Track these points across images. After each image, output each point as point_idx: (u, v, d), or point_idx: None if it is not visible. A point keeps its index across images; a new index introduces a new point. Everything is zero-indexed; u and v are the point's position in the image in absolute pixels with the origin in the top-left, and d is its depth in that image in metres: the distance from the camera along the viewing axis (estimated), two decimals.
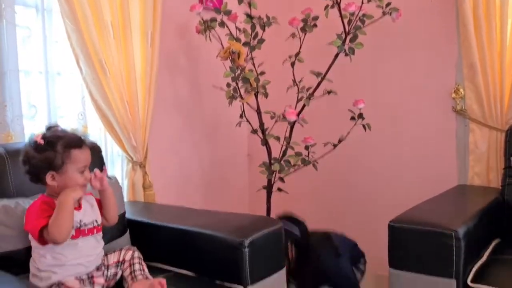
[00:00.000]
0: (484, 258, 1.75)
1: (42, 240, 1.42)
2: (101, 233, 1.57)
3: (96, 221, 1.54)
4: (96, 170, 1.53)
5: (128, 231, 1.87)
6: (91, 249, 1.51)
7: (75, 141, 1.48)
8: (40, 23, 1.95)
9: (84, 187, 1.49)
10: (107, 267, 1.56)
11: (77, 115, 2.10)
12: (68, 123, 2.04)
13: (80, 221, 1.48)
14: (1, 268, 1.41)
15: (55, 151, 1.44)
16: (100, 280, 1.51)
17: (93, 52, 1.95)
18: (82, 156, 1.48)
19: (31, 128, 1.87)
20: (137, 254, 1.60)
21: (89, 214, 1.53)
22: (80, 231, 1.47)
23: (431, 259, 1.58)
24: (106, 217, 1.60)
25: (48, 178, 1.46)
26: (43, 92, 1.97)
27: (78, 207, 1.51)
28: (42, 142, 1.45)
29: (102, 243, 1.58)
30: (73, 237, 1.45)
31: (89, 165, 1.51)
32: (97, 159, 1.91)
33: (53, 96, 2.00)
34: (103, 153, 2.00)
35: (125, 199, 2.11)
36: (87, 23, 1.91)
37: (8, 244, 1.49)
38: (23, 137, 1.83)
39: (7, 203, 1.52)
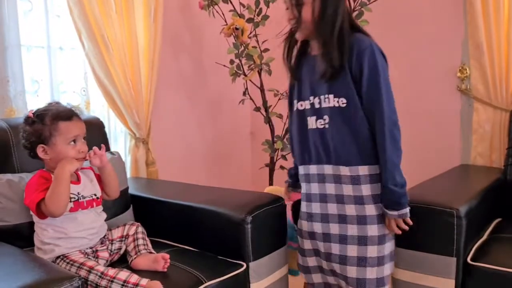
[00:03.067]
0: (485, 236, 1.76)
1: (41, 213, 1.43)
2: (101, 207, 1.58)
3: (95, 194, 1.56)
4: (95, 148, 1.53)
5: (131, 206, 1.88)
6: (91, 222, 1.52)
7: (64, 113, 1.49)
8: None
9: (81, 160, 1.50)
10: (111, 242, 1.58)
11: (80, 90, 2.10)
12: (70, 99, 2.04)
13: (78, 193, 1.50)
14: (6, 241, 1.43)
15: (43, 123, 1.46)
16: (104, 254, 1.53)
17: (96, 27, 1.93)
18: (71, 128, 1.48)
19: (33, 104, 1.87)
20: (140, 229, 1.62)
21: (88, 188, 1.54)
22: (78, 204, 1.49)
23: (433, 237, 1.58)
24: (106, 192, 1.62)
25: (39, 151, 1.47)
26: (46, 67, 1.96)
27: (77, 180, 1.52)
28: (32, 115, 1.48)
29: (104, 216, 1.59)
30: (71, 210, 1.46)
31: (84, 137, 1.52)
32: (100, 135, 1.92)
33: (56, 72, 2.00)
34: (106, 129, 2.00)
35: (128, 175, 2.12)
36: None
37: (13, 218, 1.51)
38: (26, 112, 1.82)
39: (11, 178, 1.53)
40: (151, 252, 1.56)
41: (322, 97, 1.44)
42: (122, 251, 1.59)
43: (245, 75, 2.38)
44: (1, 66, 1.79)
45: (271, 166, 2.49)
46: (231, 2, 2.36)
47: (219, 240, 1.66)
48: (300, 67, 1.54)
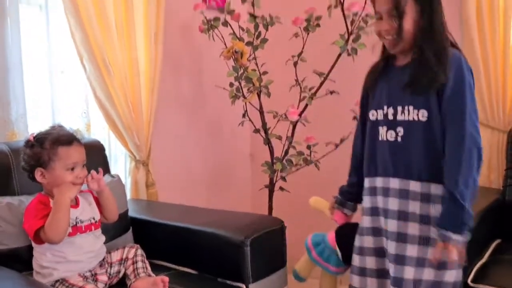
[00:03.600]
0: (485, 258, 1.76)
1: (39, 240, 1.43)
2: (99, 230, 1.58)
3: (94, 218, 1.55)
4: (93, 172, 1.53)
5: (131, 228, 1.88)
6: (90, 246, 1.52)
7: (64, 138, 1.49)
8: (44, 21, 1.96)
9: (78, 185, 1.50)
10: (110, 265, 1.57)
11: (81, 113, 2.11)
12: (71, 121, 2.05)
13: (76, 218, 1.49)
14: (5, 265, 1.43)
15: (42, 147, 1.46)
16: (103, 278, 1.53)
17: (97, 50, 1.96)
18: (70, 153, 1.48)
19: (35, 126, 1.88)
20: (140, 251, 1.61)
21: (87, 212, 1.54)
22: (77, 228, 1.49)
23: None
24: (105, 216, 1.62)
25: (37, 175, 1.48)
26: (47, 90, 1.98)
27: (75, 204, 1.52)
28: (32, 139, 1.49)
29: (103, 238, 1.59)
30: (70, 235, 1.46)
31: (83, 163, 1.52)
32: (100, 157, 1.94)
33: (57, 94, 2.01)
34: (107, 151, 2.02)
35: (128, 197, 2.13)
36: (91, 21, 1.92)
37: (12, 241, 1.51)
38: (27, 135, 1.83)
39: (11, 201, 1.54)
40: (150, 275, 1.55)
41: (399, 108, 1.40)
42: (121, 274, 1.59)
43: (245, 97, 2.40)
44: (3, 89, 1.81)
45: (271, 187, 2.49)
46: (230, 26, 2.40)
47: (219, 262, 1.65)
48: (378, 77, 1.50)
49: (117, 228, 1.77)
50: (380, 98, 1.46)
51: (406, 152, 1.38)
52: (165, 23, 2.26)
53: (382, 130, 1.43)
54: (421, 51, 1.37)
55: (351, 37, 2.26)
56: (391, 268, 1.38)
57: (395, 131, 1.40)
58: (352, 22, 2.25)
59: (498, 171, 2.21)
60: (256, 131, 2.48)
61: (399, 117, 1.40)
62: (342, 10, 2.25)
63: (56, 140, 1.47)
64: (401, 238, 1.37)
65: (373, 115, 1.47)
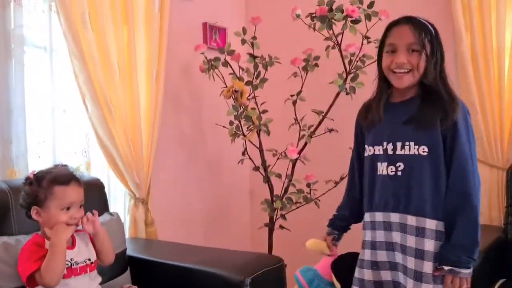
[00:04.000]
0: None
1: (32, 283, 1.40)
2: (95, 271, 1.54)
3: (89, 259, 1.51)
4: (88, 214, 1.50)
5: (128, 268, 1.86)
6: (86, 287, 1.49)
7: (61, 178, 1.46)
8: (48, 62, 2.00)
9: (73, 226, 1.46)
10: None
11: (81, 151, 2.13)
12: (72, 160, 2.07)
13: (72, 259, 1.46)
14: None
15: (40, 186, 1.45)
16: None
17: (99, 90, 1.99)
18: (67, 193, 1.45)
19: (35, 165, 1.89)
20: None
21: (83, 253, 1.51)
22: (71, 270, 1.45)
23: None
24: (101, 259, 1.57)
25: (33, 213, 1.46)
26: (49, 129, 2.00)
27: (71, 245, 1.49)
28: (32, 176, 1.47)
29: (98, 279, 1.55)
30: (64, 277, 1.43)
31: (80, 203, 1.49)
32: (100, 195, 1.93)
33: (59, 133, 2.03)
34: (106, 189, 2.02)
35: (127, 236, 2.11)
36: (94, 62, 1.96)
37: (7, 282, 1.47)
38: (27, 174, 1.84)
39: (8, 240, 1.51)
40: None
41: (398, 144, 1.42)
42: None
43: (244, 136, 2.43)
44: (5, 127, 1.83)
45: (271, 225, 2.48)
46: (230, 66, 2.45)
47: None
48: (376, 113, 1.52)
49: (114, 268, 1.75)
50: (379, 134, 1.48)
51: (405, 186, 1.41)
52: (166, 62, 2.30)
53: (382, 165, 1.45)
54: (430, 89, 1.41)
55: (349, 76, 2.31)
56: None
57: (395, 166, 1.42)
58: (350, 62, 2.30)
59: (498, 208, 2.20)
60: (256, 169, 2.49)
61: (399, 151, 1.42)
62: (340, 51, 2.30)
63: (53, 179, 1.46)
64: (405, 271, 1.41)
65: (370, 150, 1.50)
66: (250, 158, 2.50)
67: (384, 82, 1.51)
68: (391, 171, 1.43)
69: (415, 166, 1.40)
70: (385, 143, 1.45)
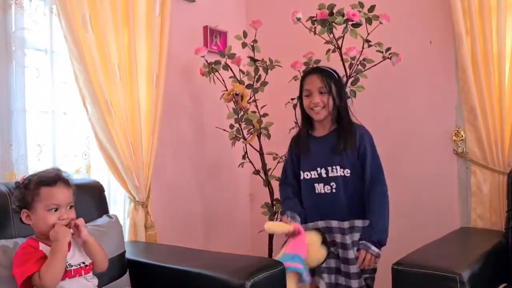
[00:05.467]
0: None
1: (28, 285, 1.39)
2: (91, 274, 1.53)
3: (83, 262, 1.50)
4: (76, 220, 1.48)
5: (127, 271, 1.85)
6: None
7: (48, 179, 1.45)
8: (49, 65, 2.00)
9: (70, 228, 1.45)
10: None
11: (81, 154, 2.12)
12: (72, 163, 2.06)
13: (66, 262, 1.44)
14: None
15: (27, 188, 1.45)
16: None
17: (100, 93, 1.99)
18: (53, 194, 1.44)
19: (35, 167, 1.89)
20: None
21: (77, 256, 1.50)
22: (66, 273, 1.44)
23: None
24: (93, 266, 1.54)
25: (23, 216, 1.45)
26: (49, 131, 2.00)
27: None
28: (21, 181, 1.47)
29: (95, 281, 1.54)
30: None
31: (69, 205, 1.47)
32: (99, 198, 1.93)
33: (59, 136, 2.03)
34: (106, 193, 2.01)
35: (126, 239, 2.10)
36: (95, 65, 1.96)
37: (6, 286, 1.45)
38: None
39: (5, 243, 1.50)
40: None
41: (329, 168, 1.90)
42: None
43: (245, 139, 2.42)
44: (5, 130, 1.83)
45: None
46: (231, 69, 2.45)
47: None
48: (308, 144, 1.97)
49: (113, 271, 1.74)
50: (311, 162, 1.94)
51: (339, 200, 1.89)
52: (166, 65, 2.30)
53: (319, 186, 1.92)
54: (338, 123, 1.93)
55: (350, 80, 2.31)
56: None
57: (330, 185, 1.90)
58: (350, 65, 2.30)
59: (499, 213, 2.19)
60: (256, 172, 2.49)
61: (331, 174, 1.90)
62: (340, 54, 2.30)
63: (39, 181, 1.45)
64: (344, 261, 1.89)
65: (307, 175, 1.94)
66: (250, 162, 2.50)
67: (306, 118, 1.98)
68: (327, 189, 1.90)
69: (343, 184, 1.89)
70: (318, 169, 1.91)
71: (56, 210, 1.44)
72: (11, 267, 1.46)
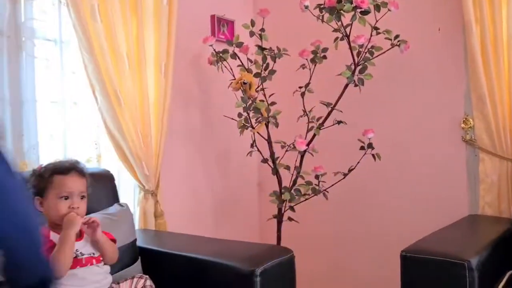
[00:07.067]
0: None
1: None
2: (102, 262, 1.55)
3: (94, 253, 1.53)
4: (91, 218, 1.51)
5: (139, 259, 1.87)
6: (94, 276, 1.51)
7: (62, 168, 1.49)
8: (58, 55, 2.01)
9: (81, 217, 1.47)
10: None
11: (92, 144, 2.14)
12: (82, 152, 2.08)
13: (77, 250, 1.48)
14: None
15: (42, 176, 1.48)
16: None
17: (109, 82, 2.00)
18: (65, 182, 1.47)
19: (46, 157, 1.91)
20: (149, 282, 1.60)
21: (88, 246, 1.53)
22: (77, 261, 1.47)
23: None
24: (103, 260, 1.57)
25: (37, 203, 1.48)
26: (60, 121, 2.02)
27: (79, 237, 1.51)
28: (38, 169, 1.51)
29: (107, 268, 1.57)
30: (71, 267, 1.44)
31: (81, 194, 1.49)
32: (110, 187, 1.95)
33: (69, 126, 2.05)
34: (116, 182, 2.03)
35: (137, 227, 2.12)
36: (103, 54, 1.97)
37: None
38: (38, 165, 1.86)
39: None
40: None
41: None
42: None
43: (253, 128, 2.43)
44: (16, 120, 1.85)
45: (279, 217, 2.49)
46: (239, 58, 2.45)
47: None
48: None
49: (125, 258, 1.77)
50: None
51: None
52: (174, 55, 2.30)
53: None
54: None
55: (358, 68, 2.30)
56: None
57: None
58: (358, 53, 2.29)
59: (507, 200, 2.20)
60: (264, 161, 2.50)
61: None
62: (348, 42, 2.29)
63: (54, 169, 1.48)
64: None
65: None
66: (258, 150, 2.51)
67: None
68: None
69: None
70: None
71: (68, 198, 1.47)
72: None
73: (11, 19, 1.83)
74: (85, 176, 1.53)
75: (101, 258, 1.55)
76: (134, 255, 1.85)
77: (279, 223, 2.49)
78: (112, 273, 1.60)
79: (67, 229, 1.42)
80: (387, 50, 2.27)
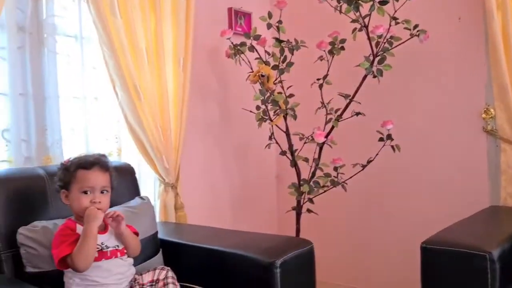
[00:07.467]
0: None
1: (63, 265, 1.46)
2: (126, 255, 1.58)
3: (118, 246, 1.56)
4: (115, 212, 1.54)
5: (160, 251, 1.90)
6: (118, 268, 1.53)
7: (86, 163, 1.52)
8: (79, 51, 2.04)
9: (102, 212, 1.50)
10: (142, 286, 1.59)
11: (112, 138, 2.17)
12: (103, 146, 2.12)
13: (102, 243, 1.51)
14: (41, 287, 1.46)
15: (68, 170, 1.51)
16: None
17: (129, 77, 2.02)
18: (88, 177, 1.50)
19: (69, 151, 1.94)
20: (170, 273, 1.62)
21: (113, 239, 1.56)
22: (102, 254, 1.50)
23: (465, 282, 1.55)
24: (127, 252, 1.60)
25: (62, 196, 1.52)
26: (81, 116, 2.05)
27: (104, 230, 1.54)
28: (66, 162, 1.55)
29: (130, 261, 1.60)
30: (95, 259, 1.47)
31: (102, 189, 1.51)
32: (131, 180, 1.98)
33: (91, 120, 2.08)
34: (137, 175, 2.06)
35: (157, 220, 2.15)
36: (123, 50, 2.00)
37: (47, 265, 1.52)
38: (62, 160, 1.90)
39: (46, 225, 1.57)
40: None
41: None
42: None
43: (271, 120, 2.43)
44: (40, 116, 1.89)
45: (298, 209, 2.49)
46: (256, 51, 2.45)
47: (248, 284, 1.65)
48: None
49: (147, 250, 1.80)
50: None
51: None
52: (192, 49, 2.32)
53: None
54: None
55: (376, 59, 2.28)
56: None
57: None
58: (377, 44, 2.27)
59: None
60: (283, 153, 2.50)
61: None
62: (367, 33, 2.27)
63: (79, 163, 1.52)
64: None
65: None
66: (277, 143, 2.51)
67: None
68: None
69: None
70: None
71: (90, 193, 1.50)
72: (51, 247, 1.53)
73: (33, 16, 1.86)
74: (109, 170, 1.56)
75: (125, 251, 1.58)
76: (155, 247, 1.88)
77: (298, 215, 2.50)
78: (135, 265, 1.63)
79: (88, 223, 1.45)
80: (406, 40, 2.25)
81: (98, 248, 1.49)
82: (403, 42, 2.25)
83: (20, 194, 1.60)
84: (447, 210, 2.40)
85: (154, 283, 1.60)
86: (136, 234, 1.65)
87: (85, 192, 1.49)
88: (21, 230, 1.54)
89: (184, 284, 1.72)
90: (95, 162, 1.53)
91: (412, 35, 2.24)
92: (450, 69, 2.48)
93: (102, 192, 1.52)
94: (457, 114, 2.47)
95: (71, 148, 1.99)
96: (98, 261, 1.49)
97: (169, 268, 1.65)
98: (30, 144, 1.87)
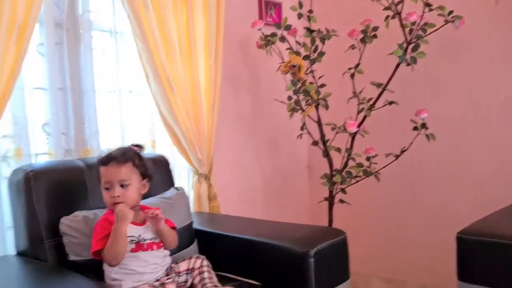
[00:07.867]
0: None
1: (98, 256, 1.51)
2: (162, 248, 1.62)
3: (155, 238, 1.60)
4: (154, 211, 1.56)
5: (196, 241, 1.94)
6: (154, 258, 1.58)
7: (103, 158, 1.56)
8: (113, 45, 2.08)
9: (132, 207, 1.54)
10: (178, 274, 1.63)
11: (147, 130, 2.22)
12: (138, 138, 2.16)
13: (140, 236, 1.55)
14: (83, 275, 1.52)
15: (96, 167, 1.58)
16: (171, 286, 1.58)
17: (161, 69, 2.06)
18: (104, 173, 1.54)
19: (106, 144, 2.00)
20: (206, 262, 1.66)
21: (151, 231, 1.60)
22: (139, 246, 1.54)
23: (501, 273, 1.53)
24: (164, 245, 1.64)
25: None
26: (117, 109, 2.10)
27: (142, 223, 1.59)
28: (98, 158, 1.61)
29: (166, 252, 1.65)
30: (133, 250, 1.53)
31: (120, 183, 1.52)
32: (165, 172, 2.02)
33: (125, 113, 2.13)
34: (171, 166, 2.10)
35: (192, 210, 2.19)
36: (156, 43, 2.03)
37: (88, 253, 1.56)
38: (99, 152, 1.96)
39: (87, 214, 1.63)
40: (216, 286, 1.60)
41: None
42: (188, 284, 1.63)
43: (303, 110, 2.43)
44: (78, 110, 1.95)
45: (330, 200, 2.49)
46: (287, 41, 2.44)
47: (282, 274, 1.67)
48: None
49: (183, 240, 1.83)
50: None
51: None
52: (224, 40, 2.33)
53: None
54: None
55: (410, 47, 2.24)
56: None
57: None
58: (411, 31, 2.23)
59: None
60: (315, 143, 2.50)
61: None
62: (400, 20, 2.24)
63: (99, 160, 1.57)
64: None
65: None
66: (308, 133, 2.51)
67: None
68: None
69: None
70: None
71: (110, 188, 1.54)
72: (92, 235, 1.58)
73: (69, 13, 1.91)
74: (128, 161, 1.55)
75: (161, 244, 1.63)
76: (191, 237, 1.92)
77: (331, 205, 2.50)
78: (170, 254, 1.67)
79: (118, 223, 1.48)
80: (441, 26, 2.20)
81: (135, 240, 1.54)
82: (437, 29, 2.20)
83: (61, 186, 1.66)
84: (482, 200, 2.35)
85: (189, 271, 1.64)
86: (174, 228, 1.69)
87: (107, 189, 1.54)
88: (64, 219, 1.59)
89: (218, 273, 1.76)
90: (112, 158, 1.55)
91: (446, 22, 2.19)
92: (486, 56, 2.41)
93: (122, 186, 1.54)
94: (492, 102, 2.41)
95: (107, 141, 2.04)
96: (135, 252, 1.54)
97: (204, 256, 1.68)
98: (69, 137, 1.93)
